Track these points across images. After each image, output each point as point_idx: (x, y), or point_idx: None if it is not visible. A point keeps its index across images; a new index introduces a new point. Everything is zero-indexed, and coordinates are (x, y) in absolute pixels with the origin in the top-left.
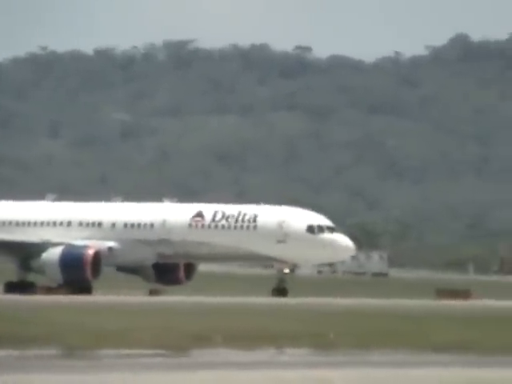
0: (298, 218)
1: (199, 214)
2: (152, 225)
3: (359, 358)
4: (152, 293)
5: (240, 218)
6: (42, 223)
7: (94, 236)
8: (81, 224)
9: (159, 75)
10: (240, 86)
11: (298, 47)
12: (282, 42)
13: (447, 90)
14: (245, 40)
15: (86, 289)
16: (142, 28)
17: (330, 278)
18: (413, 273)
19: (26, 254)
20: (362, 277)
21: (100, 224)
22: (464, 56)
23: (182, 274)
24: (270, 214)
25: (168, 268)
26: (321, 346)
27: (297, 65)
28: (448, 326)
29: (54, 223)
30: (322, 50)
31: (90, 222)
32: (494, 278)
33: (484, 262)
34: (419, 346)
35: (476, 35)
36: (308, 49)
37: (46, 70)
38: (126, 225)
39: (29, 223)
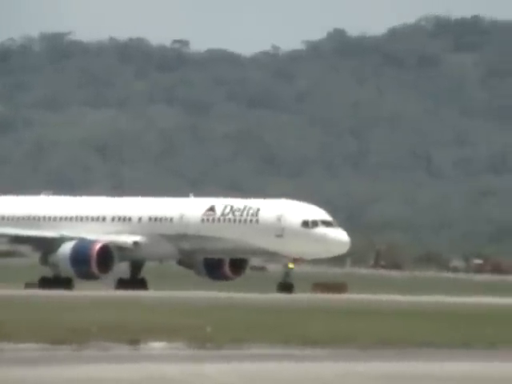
0: (295, 212)
1: (211, 209)
2: (171, 219)
3: (235, 352)
4: (27, 286)
5: (245, 213)
6: (81, 218)
7: (123, 231)
8: (113, 219)
9: (36, 67)
10: (117, 79)
11: (176, 41)
12: (160, 35)
13: (324, 84)
14: (122, 33)
15: (141, 284)
16: (18, 20)
17: None
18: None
19: (46, 248)
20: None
21: (130, 219)
22: (341, 51)
23: (227, 269)
24: (270, 208)
25: (214, 263)
26: (197, 339)
27: (174, 58)
28: (323, 320)
29: (92, 218)
30: (199, 44)
31: (122, 216)
32: (370, 271)
33: (361, 256)
34: (294, 339)
35: (353, 30)
36: (185, 42)
37: None
38: (150, 219)
39: (67, 218)
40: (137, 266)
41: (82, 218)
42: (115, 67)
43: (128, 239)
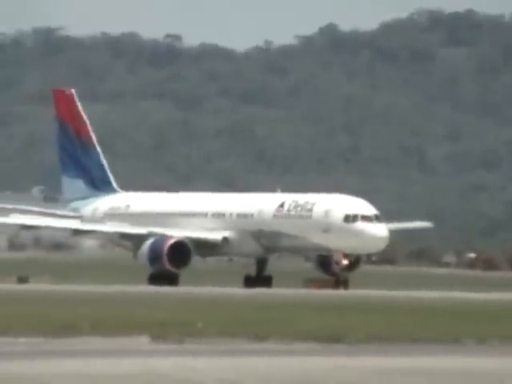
0: (341, 206)
1: (282, 205)
2: (252, 215)
3: (227, 347)
4: (20, 280)
5: (304, 208)
6: (187, 214)
7: (219, 227)
8: (213, 215)
9: (29, 62)
10: (109, 74)
11: (168, 35)
12: (152, 30)
13: (317, 79)
14: (114, 28)
15: (266, 282)
16: (10, 14)
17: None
18: (281, 261)
19: (136, 245)
20: (231, 265)
21: (224, 215)
22: (333, 46)
23: (334, 265)
24: (322, 203)
25: (325, 260)
26: (189, 334)
27: (167, 53)
28: (315, 315)
29: (196, 214)
30: (192, 39)
31: (218, 212)
32: (363, 267)
33: None
34: (287, 334)
35: (346, 25)
36: (178, 37)
37: None
38: (238, 215)
39: (171, 214)
40: (261, 262)
41: (189, 215)
42: (107, 62)
43: (218, 235)
